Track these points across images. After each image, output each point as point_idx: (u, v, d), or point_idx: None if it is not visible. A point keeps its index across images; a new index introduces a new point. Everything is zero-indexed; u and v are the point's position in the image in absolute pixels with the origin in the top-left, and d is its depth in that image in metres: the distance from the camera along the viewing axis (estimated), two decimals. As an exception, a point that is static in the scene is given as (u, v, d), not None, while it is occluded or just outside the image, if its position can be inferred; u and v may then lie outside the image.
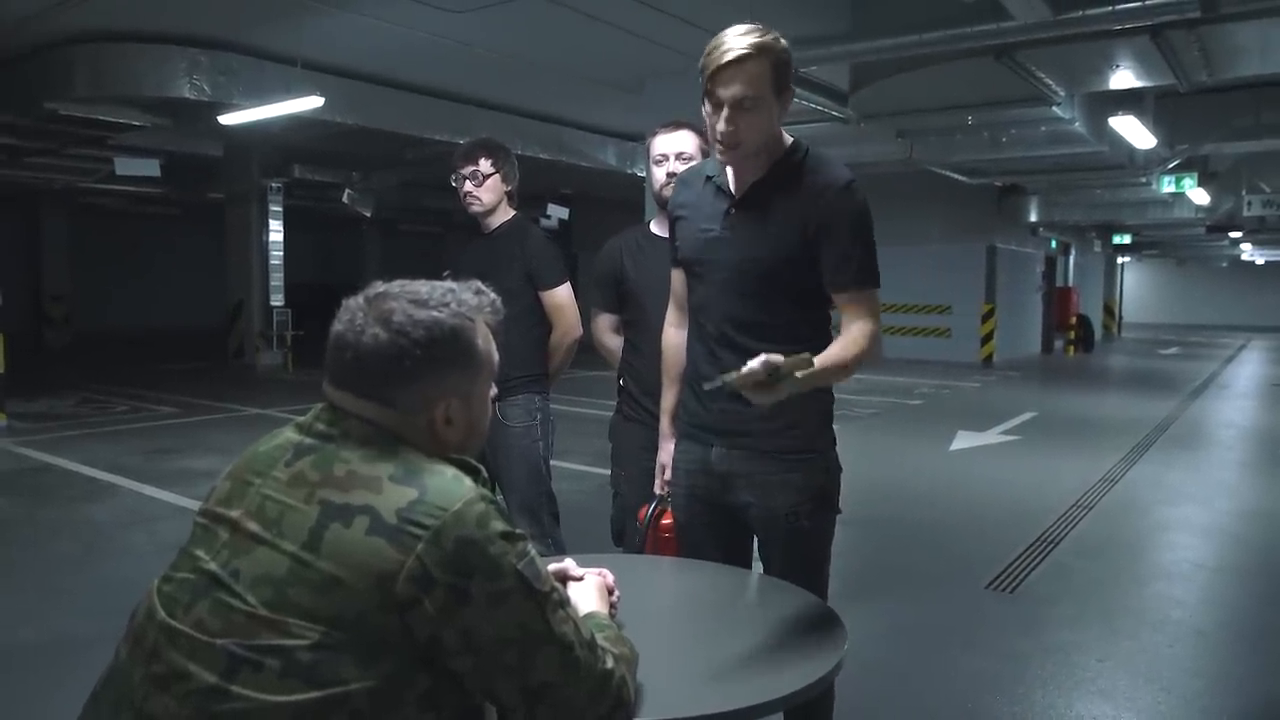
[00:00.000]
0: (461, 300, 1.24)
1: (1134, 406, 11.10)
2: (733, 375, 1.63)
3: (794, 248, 1.91)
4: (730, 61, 1.77)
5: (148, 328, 20.23)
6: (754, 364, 1.62)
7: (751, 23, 1.84)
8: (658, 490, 2.27)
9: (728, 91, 1.80)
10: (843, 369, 1.83)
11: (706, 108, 1.87)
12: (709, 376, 1.99)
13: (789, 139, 1.97)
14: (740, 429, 2.00)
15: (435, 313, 1.20)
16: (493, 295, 1.29)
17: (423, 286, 1.24)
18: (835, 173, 1.92)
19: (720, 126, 1.84)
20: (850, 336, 1.87)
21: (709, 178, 2.04)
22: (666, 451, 2.23)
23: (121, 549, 4.73)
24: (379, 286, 1.24)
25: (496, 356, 1.29)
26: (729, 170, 1.99)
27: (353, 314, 1.20)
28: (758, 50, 1.78)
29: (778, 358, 1.63)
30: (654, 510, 2.27)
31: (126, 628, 1.16)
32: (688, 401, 2.13)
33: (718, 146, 1.90)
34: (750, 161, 1.93)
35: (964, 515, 5.72)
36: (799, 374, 1.66)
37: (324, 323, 1.25)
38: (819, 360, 1.72)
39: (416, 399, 1.20)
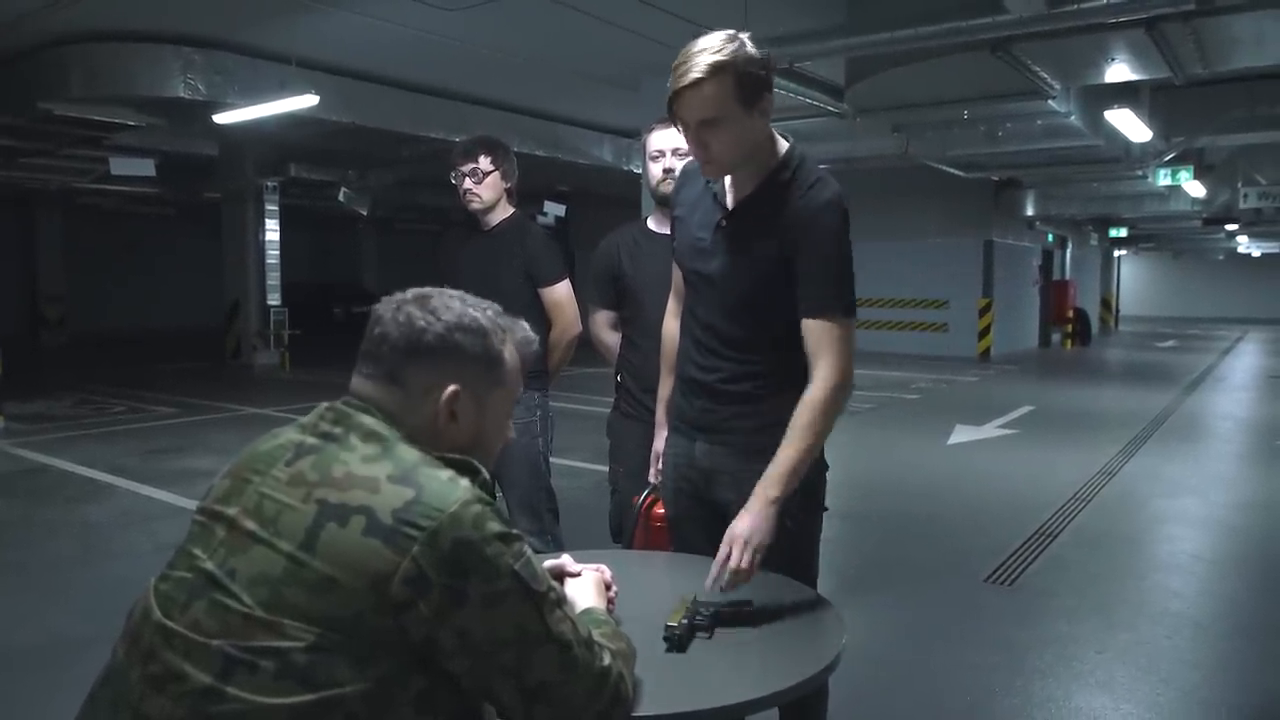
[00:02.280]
0: (500, 312, 1.31)
1: (1131, 399, 11.12)
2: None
3: (772, 270, 1.87)
4: (686, 86, 1.73)
5: (144, 328, 20.20)
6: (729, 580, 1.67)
7: (735, 26, 1.79)
8: (651, 479, 2.28)
9: (688, 115, 1.77)
10: (807, 454, 1.79)
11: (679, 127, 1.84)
12: (694, 376, 2.02)
13: (784, 146, 1.91)
14: (721, 426, 2.00)
15: (473, 310, 1.27)
16: (534, 335, 1.36)
17: (470, 297, 1.30)
18: (816, 194, 1.86)
19: (693, 152, 1.84)
20: (801, 407, 1.81)
21: (708, 181, 2.01)
22: (661, 439, 2.24)
23: (119, 549, 4.73)
24: (428, 290, 1.30)
25: (520, 381, 1.33)
26: (726, 177, 1.96)
27: (398, 301, 1.26)
28: (714, 70, 1.71)
29: (736, 565, 1.67)
30: (645, 500, 2.27)
31: (124, 627, 1.16)
32: (674, 395, 2.15)
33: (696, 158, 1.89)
34: (743, 172, 1.90)
35: (962, 509, 5.72)
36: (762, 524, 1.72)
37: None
38: (777, 469, 1.76)
39: (424, 379, 1.22)
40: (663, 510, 2.20)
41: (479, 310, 1.28)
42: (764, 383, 1.96)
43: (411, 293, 1.28)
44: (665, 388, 2.25)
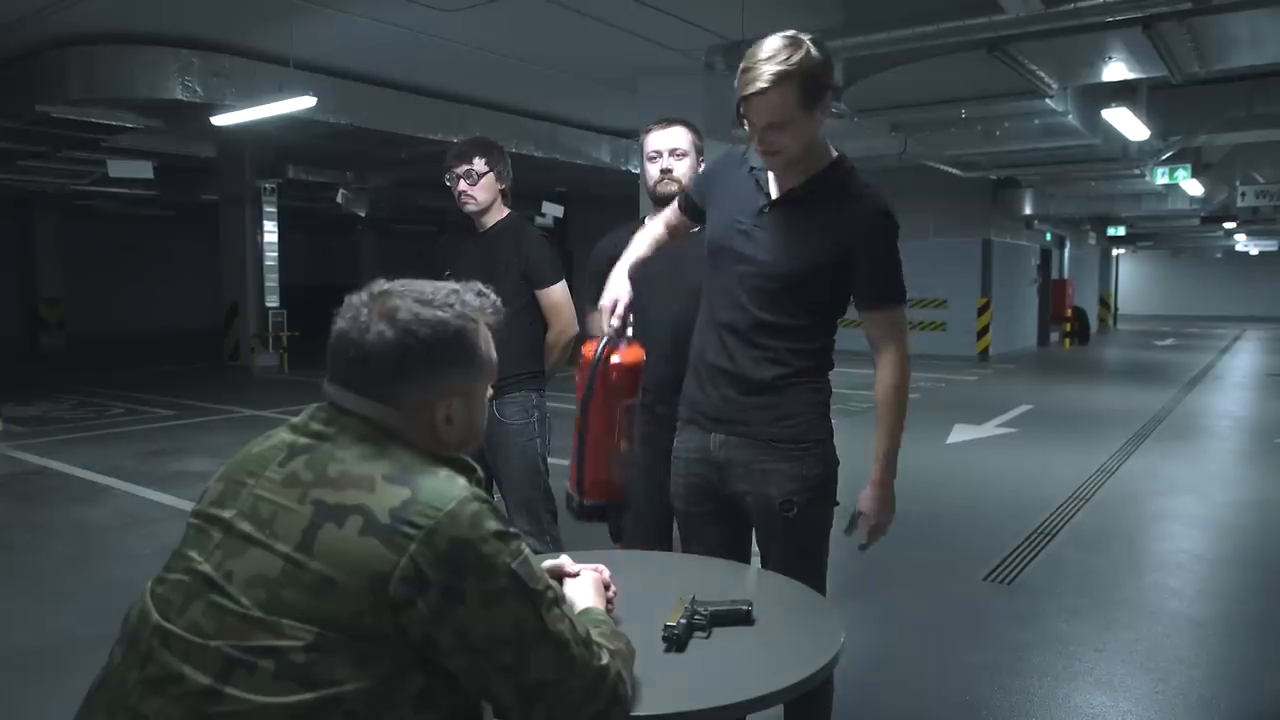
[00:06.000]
0: (465, 301, 1.24)
1: (1130, 398, 11.12)
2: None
3: (822, 259, 1.93)
4: (754, 94, 1.82)
5: (143, 330, 20.18)
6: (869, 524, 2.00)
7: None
8: (605, 330, 2.16)
9: (758, 119, 1.86)
10: (901, 431, 2.03)
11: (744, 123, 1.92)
12: (716, 363, 2.04)
13: (834, 152, 2.00)
14: (738, 417, 2.03)
15: (440, 313, 1.21)
16: (494, 297, 1.30)
17: (427, 286, 1.24)
18: (874, 196, 1.96)
19: (758, 146, 1.92)
20: (884, 379, 1.99)
21: (752, 168, 2.05)
22: (623, 288, 2.17)
23: (118, 552, 4.72)
24: (383, 284, 1.24)
25: (495, 358, 1.30)
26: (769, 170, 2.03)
27: (356, 311, 1.20)
28: (779, 79, 1.79)
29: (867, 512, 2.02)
30: (602, 348, 2.17)
31: (121, 630, 1.16)
32: (689, 389, 2.15)
33: (759, 152, 1.95)
34: (791, 168, 1.97)
35: (961, 508, 5.73)
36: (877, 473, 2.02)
37: (319, 323, 1.25)
38: (884, 454, 2.03)
39: (419, 397, 1.20)
40: (619, 361, 2.17)
41: (445, 307, 1.22)
42: (787, 372, 2.00)
43: (369, 297, 1.21)
44: (640, 250, 2.28)
